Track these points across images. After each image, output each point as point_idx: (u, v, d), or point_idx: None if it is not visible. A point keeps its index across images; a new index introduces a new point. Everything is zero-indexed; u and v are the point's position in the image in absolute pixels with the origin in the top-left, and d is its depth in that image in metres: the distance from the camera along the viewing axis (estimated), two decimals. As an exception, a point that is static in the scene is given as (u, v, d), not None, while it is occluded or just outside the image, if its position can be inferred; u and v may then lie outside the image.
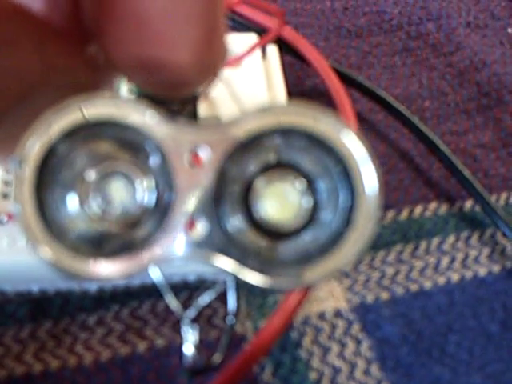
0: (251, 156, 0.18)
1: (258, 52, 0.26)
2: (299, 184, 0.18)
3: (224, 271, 0.17)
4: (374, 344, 0.21)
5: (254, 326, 0.21)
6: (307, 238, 0.17)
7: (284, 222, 0.17)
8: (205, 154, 0.17)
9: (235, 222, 0.17)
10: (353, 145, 0.17)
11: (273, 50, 0.26)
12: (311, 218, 0.18)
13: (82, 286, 0.21)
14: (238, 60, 0.23)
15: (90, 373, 0.20)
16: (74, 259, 0.17)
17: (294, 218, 0.17)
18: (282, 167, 0.18)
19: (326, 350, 0.20)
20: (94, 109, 0.17)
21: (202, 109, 0.23)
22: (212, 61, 0.12)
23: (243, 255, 0.17)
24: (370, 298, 0.22)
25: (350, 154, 0.17)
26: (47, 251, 0.16)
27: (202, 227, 0.17)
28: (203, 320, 0.21)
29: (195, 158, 0.17)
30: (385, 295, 0.22)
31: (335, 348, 0.21)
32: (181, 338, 0.20)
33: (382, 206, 0.17)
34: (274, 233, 0.18)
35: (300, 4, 0.32)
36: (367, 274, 0.22)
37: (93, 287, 0.21)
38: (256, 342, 0.18)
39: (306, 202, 0.17)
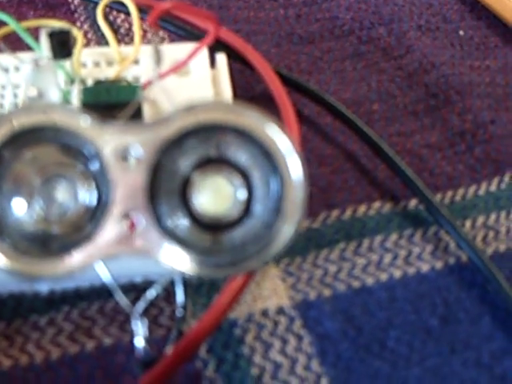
0: (185, 152, 0.19)
1: (206, 60, 0.27)
2: (234, 178, 0.19)
3: (162, 264, 0.18)
4: (314, 340, 0.22)
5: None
6: (243, 229, 0.19)
7: (221, 213, 0.19)
8: (137, 152, 0.18)
9: (174, 218, 0.19)
10: (277, 136, 0.19)
11: (222, 58, 0.28)
12: (247, 210, 0.19)
13: (34, 288, 0.22)
14: (181, 66, 0.25)
15: (40, 371, 0.21)
16: (21, 260, 0.18)
17: (230, 209, 0.19)
18: (217, 162, 0.19)
19: (268, 347, 0.22)
20: (27, 117, 0.18)
21: (148, 118, 0.24)
22: None
23: (182, 248, 0.18)
24: (312, 295, 0.23)
25: (274, 146, 0.18)
26: None
27: (140, 225, 0.18)
28: (149, 319, 0.22)
29: (131, 224, 0.19)
30: (327, 292, 0.23)
31: (277, 344, 0.22)
32: (130, 336, 0.22)
33: (308, 196, 0.18)
34: (212, 226, 0.19)
35: (254, 12, 0.33)
36: (310, 271, 0.24)
37: (44, 289, 0.22)
38: (187, 338, 0.19)
39: (241, 195, 0.19)
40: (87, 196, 0.19)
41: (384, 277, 0.24)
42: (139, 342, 0.20)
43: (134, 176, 0.18)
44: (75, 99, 0.25)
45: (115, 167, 0.18)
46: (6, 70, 0.26)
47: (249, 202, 0.19)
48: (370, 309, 0.23)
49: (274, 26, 0.33)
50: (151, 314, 0.22)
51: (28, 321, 0.22)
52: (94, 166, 0.19)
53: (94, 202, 0.19)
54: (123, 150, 0.18)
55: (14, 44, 0.26)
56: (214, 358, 0.21)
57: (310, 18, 0.33)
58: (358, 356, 0.22)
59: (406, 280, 0.24)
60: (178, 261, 0.18)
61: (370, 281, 0.24)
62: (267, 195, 0.18)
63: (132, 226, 0.18)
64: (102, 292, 0.23)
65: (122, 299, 0.20)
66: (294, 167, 0.18)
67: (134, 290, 0.22)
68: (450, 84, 0.30)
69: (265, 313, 0.23)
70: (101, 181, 0.19)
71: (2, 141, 0.18)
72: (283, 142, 0.18)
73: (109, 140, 0.18)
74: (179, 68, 0.25)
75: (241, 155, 0.19)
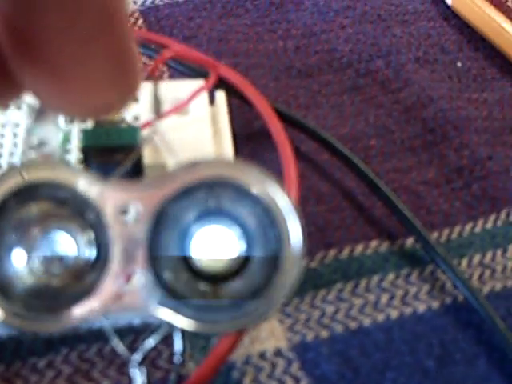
0: (185, 206, 0.20)
1: (205, 98, 0.28)
2: (233, 230, 0.19)
3: (160, 320, 0.19)
4: (312, 382, 0.22)
5: (196, 366, 0.22)
6: (242, 283, 0.19)
7: (220, 266, 0.19)
8: (136, 209, 0.19)
9: (173, 271, 0.19)
10: (277, 196, 0.19)
11: (221, 95, 0.28)
12: (245, 263, 0.19)
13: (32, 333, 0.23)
14: (181, 107, 0.25)
15: (38, 416, 0.21)
16: (24, 316, 0.18)
17: (229, 262, 0.19)
18: (216, 214, 0.20)
19: (265, 389, 0.22)
20: (33, 172, 0.19)
21: (148, 157, 0.25)
22: (127, 90, 0.14)
23: (179, 303, 0.19)
24: (309, 337, 0.23)
25: (274, 204, 0.19)
26: None
27: (138, 279, 0.19)
28: (148, 362, 0.22)
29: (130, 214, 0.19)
30: (324, 333, 0.24)
31: (275, 387, 0.22)
32: (129, 379, 0.22)
33: (306, 251, 0.18)
34: (211, 278, 0.20)
35: (253, 45, 0.34)
36: (308, 312, 0.24)
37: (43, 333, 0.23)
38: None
39: (240, 248, 0.19)
40: (87, 249, 0.19)
41: (381, 317, 0.24)
42: (138, 391, 0.20)
43: (133, 231, 0.19)
44: (75, 139, 0.26)
45: (115, 223, 0.18)
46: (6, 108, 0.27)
47: (248, 255, 0.19)
48: (367, 350, 0.23)
49: (273, 59, 0.33)
50: (149, 356, 0.22)
51: (27, 363, 0.22)
52: (93, 221, 0.19)
53: (94, 254, 0.19)
54: (123, 207, 0.18)
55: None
56: (212, 401, 0.22)
57: (309, 51, 0.34)
58: (355, 398, 0.22)
59: (402, 320, 0.24)
60: (175, 317, 0.18)
61: (367, 321, 0.24)
62: (265, 248, 0.19)
63: (128, 278, 0.19)
64: (100, 334, 0.23)
65: (120, 347, 0.20)
66: (293, 226, 0.18)
67: (132, 332, 0.23)
68: (448, 119, 0.31)
69: (262, 355, 0.23)
70: (100, 234, 0.19)
71: (9, 192, 0.19)
72: (283, 202, 0.18)
73: (107, 197, 0.18)
74: (180, 109, 0.26)
75: (240, 209, 0.19)
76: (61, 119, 0.26)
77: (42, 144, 0.24)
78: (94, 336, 0.23)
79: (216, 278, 0.19)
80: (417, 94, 0.32)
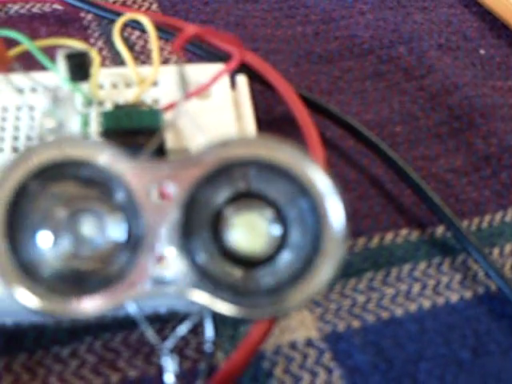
0: (218, 187, 0.19)
1: (226, 82, 0.27)
2: (267, 213, 0.19)
3: (197, 304, 0.18)
4: (345, 373, 0.22)
5: (225, 356, 0.22)
6: (279, 266, 0.19)
7: (255, 250, 0.19)
8: (170, 189, 0.18)
9: (207, 254, 0.18)
10: (317, 177, 0.18)
11: (242, 79, 0.27)
12: (282, 246, 0.19)
13: (57, 319, 0.22)
14: (203, 89, 0.25)
15: (63, 405, 0.21)
16: (51, 299, 0.18)
17: (264, 246, 0.19)
18: (250, 196, 0.19)
19: (297, 380, 0.22)
20: (54, 150, 0.18)
21: (170, 141, 0.24)
22: None
23: (216, 287, 0.18)
24: (341, 327, 0.23)
25: (314, 186, 0.18)
26: (24, 294, 0.17)
27: (172, 261, 0.18)
28: (175, 352, 0.22)
29: (162, 193, 0.18)
30: (356, 323, 0.23)
31: (307, 377, 0.22)
32: (156, 368, 0.21)
33: (349, 235, 0.18)
34: (246, 262, 0.19)
35: (271, 30, 0.33)
36: (338, 302, 0.23)
37: (66, 320, 0.22)
38: (220, 374, 0.19)
39: (275, 230, 0.19)
40: (116, 231, 0.18)
41: (413, 307, 0.24)
42: (169, 378, 0.19)
43: (165, 212, 0.18)
44: (94, 122, 0.25)
45: (146, 203, 0.18)
46: (21, 91, 0.26)
47: (284, 238, 0.19)
48: (400, 341, 0.23)
49: (292, 44, 0.32)
50: (177, 346, 0.22)
51: (50, 352, 0.22)
52: (123, 201, 0.18)
53: (124, 236, 0.18)
54: (155, 186, 0.18)
55: (28, 61, 0.25)
56: (242, 392, 0.21)
57: (329, 36, 0.33)
58: (390, 390, 0.22)
59: (435, 311, 0.24)
60: (212, 300, 0.17)
61: (399, 312, 0.23)
62: (304, 231, 0.18)
63: (161, 260, 0.18)
64: (125, 322, 0.22)
65: (150, 334, 0.20)
66: (334, 209, 0.18)
67: (158, 320, 0.22)
68: (474, 106, 0.30)
69: (293, 345, 0.22)
70: (130, 215, 0.18)
71: (29, 174, 0.18)
72: (322, 181, 0.18)
73: (140, 176, 0.18)
74: (201, 91, 0.25)
75: (275, 191, 0.18)
76: (78, 102, 0.25)
77: (59, 127, 0.23)
78: (118, 324, 0.22)
79: (252, 262, 0.19)
80: (441, 81, 0.31)
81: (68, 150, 0.18)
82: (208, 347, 0.20)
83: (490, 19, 0.35)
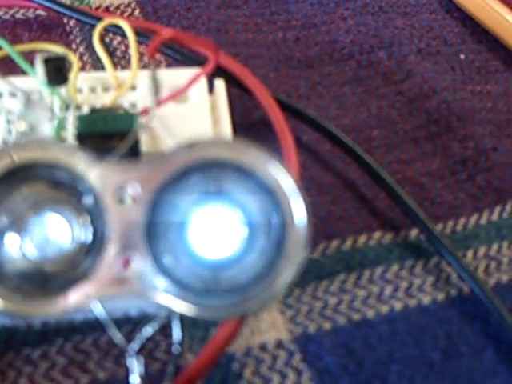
0: (184, 189, 0.19)
1: (204, 86, 0.27)
2: (234, 214, 0.19)
3: (160, 305, 0.18)
4: (314, 375, 0.22)
5: (195, 357, 0.22)
6: (243, 267, 0.19)
7: (220, 252, 0.19)
8: (134, 190, 0.18)
9: (172, 256, 0.19)
10: (280, 177, 0.18)
11: (220, 84, 0.28)
12: (247, 248, 0.19)
13: (28, 320, 0.22)
14: (180, 93, 0.25)
15: (32, 407, 0.21)
16: (15, 300, 0.18)
17: (229, 247, 0.19)
18: (216, 198, 0.19)
19: (266, 381, 0.22)
20: (24, 152, 0.18)
21: (145, 144, 0.24)
22: None
23: (180, 288, 0.18)
24: (311, 329, 0.23)
25: (278, 186, 0.18)
26: None
27: (137, 263, 0.18)
28: (145, 353, 0.22)
29: (130, 195, 0.19)
30: (327, 325, 0.23)
31: (276, 379, 0.22)
32: (125, 370, 0.21)
33: (311, 237, 0.18)
34: (211, 263, 0.19)
35: (252, 35, 0.33)
36: (310, 304, 0.24)
37: (37, 322, 0.22)
38: (185, 375, 0.19)
39: (241, 232, 0.19)
40: (82, 232, 0.19)
41: (385, 309, 0.24)
42: (135, 380, 0.20)
43: (131, 214, 0.18)
44: (70, 126, 0.25)
45: (112, 205, 0.18)
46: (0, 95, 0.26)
47: (249, 240, 0.19)
48: (371, 343, 0.23)
49: (273, 49, 0.33)
50: (146, 347, 0.22)
51: (21, 354, 0.22)
52: (90, 202, 0.19)
53: (90, 238, 0.19)
54: (120, 188, 0.18)
55: (8, 66, 0.26)
56: (211, 393, 0.21)
57: (309, 42, 0.33)
58: (359, 392, 0.22)
59: (407, 312, 0.24)
60: (175, 302, 0.18)
61: (370, 313, 0.24)
62: (268, 233, 0.18)
63: (127, 263, 0.18)
64: (96, 325, 0.22)
65: (117, 336, 0.20)
66: (298, 208, 0.18)
67: (129, 323, 0.22)
68: (452, 110, 0.30)
69: (263, 347, 0.22)
70: (96, 217, 0.19)
71: (1, 174, 0.18)
72: (287, 183, 0.18)
73: (106, 178, 0.18)
74: (178, 95, 0.25)
75: (241, 192, 0.19)
76: (56, 106, 0.25)
77: (31, 130, 0.23)
78: (89, 326, 0.22)
79: (217, 263, 0.19)
80: (420, 86, 0.31)
81: (37, 153, 0.18)
82: (175, 349, 0.21)
83: (471, 24, 0.35)
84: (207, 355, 0.19)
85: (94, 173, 0.18)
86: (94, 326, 0.22)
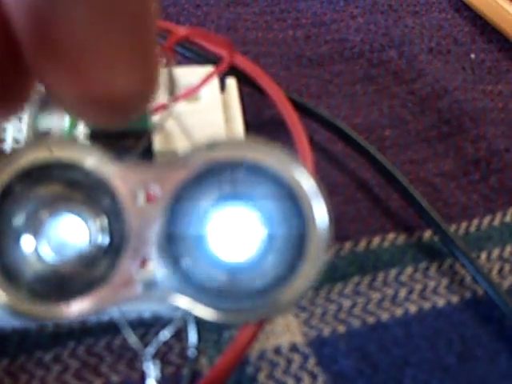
0: (203, 190, 0.19)
1: (216, 85, 0.27)
2: (253, 215, 0.19)
3: (178, 309, 0.18)
4: (329, 378, 0.22)
5: (209, 362, 0.21)
6: (263, 270, 0.18)
7: (239, 254, 0.18)
8: (154, 191, 0.18)
9: (190, 258, 0.18)
10: (303, 179, 0.18)
11: (231, 82, 0.27)
12: (267, 250, 0.19)
13: (39, 323, 0.22)
14: (193, 92, 0.24)
15: (44, 411, 0.20)
16: (32, 303, 0.17)
17: (248, 249, 0.18)
18: (236, 199, 0.19)
19: (281, 385, 0.21)
20: (36, 154, 0.18)
21: (158, 143, 0.24)
22: (150, 77, 0.13)
23: (199, 291, 0.18)
24: (326, 332, 0.23)
25: (300, 189, 0.18)
26: (3, 297, 0.17)
27: (155, 266, 0.18)
28: (159, 357, 0.21)
29: (148, 196, 0.18)
30: (341, 328, 0.23)
31: (291, 383, 0.21)
32: (139, 374, 0.21)
33: (333, 238, 0.18)
34: (230, 266, 0.19)
35: (262, 33, 0.33)
36: (324, 307, 0.23)
37: (49, 324, 0.22)
38: (209, 377, 0.19)
39: (260, 234, 0.18)
40: (100, 234, 0.18)
41: (399, 312, 0.23)
42: (151, 384, 0.19)
43: (149, 215, 0.18)
44: (81, 124, 0.25)
45: (130, 206, 0.18)
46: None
47: (268, 242, 0.18)
48: (386, 346, 0.23)
49: (283, 47, 0.32)
50: (160, 351, 0.22)
51: (32, 357, 0.22)
52: (107, 204, 0.18)
53: (107, 240, 0.18)
54: (139, 189, 0.17)
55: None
56: (226, 397, 0.21)
57: (319, 40, 0.33)
58: (374, 396, 0.21)
59: (421, 315, 0.23)
60: (194, 305, 0.17)
61: (385, 316, 0.23)
62: (288, 235, 0.18)
63: (144, 266, 0.18)
64: (109, 327, 0.22)
65: (133, 340, 0.19)
66: (319, 212, 0.17)
67: (142, 325, 0.22)
68: (463, 110, 0.30)
69: (278, 350, 0.22)
70: (114, 219, 0.18)
71: (14, 176, 0.18)
72: (308, 185, 0.18)
73: (125, 178, 0.17)
74: (191, 94, 0.25)
75: (261, 193, 0.18)
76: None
77: (47, 132, 0.23)
78: (102, 329, 0.22)
79: (235, 266, 0.18)
80: (431, 85, 0.31)
81: (55, 152, 0.18)
82: (191, 352, 0.20)
83: (481, 24, 0.35)
84: (227, 360, 0.19)
85: (113, 173, 0.18)
86: (106, 329, 0.22)
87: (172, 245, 0.18)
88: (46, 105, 0.23)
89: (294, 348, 0.22)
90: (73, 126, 0.24)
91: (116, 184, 0.18)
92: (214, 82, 0.27)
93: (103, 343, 0.22)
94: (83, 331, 0.22)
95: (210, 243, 0.18)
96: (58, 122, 0.24)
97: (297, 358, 0.22)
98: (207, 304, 0.17)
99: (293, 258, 0.18)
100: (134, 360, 0.22)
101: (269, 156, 0.18)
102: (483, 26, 0.35)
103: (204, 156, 0.18)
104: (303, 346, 0.22)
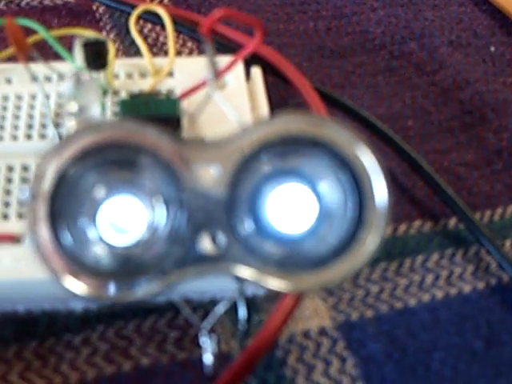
0: (260, 165, 0.18)
1: (241, 73, 0.27)
2: (307, 189, 0.19)
3: (245, 281, 0.18)
4: (358, 362, 0.22)
5: (239, 344, 0.22)
6: (322, 239, 0.18)
7: (293, 225, 0.18)
8: (215, 170, 0.18)
9: (249, 231, 0.18)
10: (365, 158, 0.18)
11: (256, 71, 0.28)
12: (322, 219, 0.18)
13: (68, 305, 0.22)
14: (218, 78, 0.25)
15: (75, 393, 0.21)
16: (96, 285, 0.17)
17: (302, 220, 0.18)
18: (290, 173, 0.19)
19: (310, 368, 0.22)
20: (105, 133, 0.18)
21: (186, 131, 0.24)
22: None
23: (261, 262, 0.18)
24: (354, 316, 0.23)
25: (362, 167, 0.18)
26: (72, 282, 0.17)
27: (218, 240, 0.18)
28: (190, 340, 0.22)
29: (206, 174, 0.18)
30: (369, 313, 0.23)
31: (320, 366, 0.22)
32: (169, 356, 0.21)
33: (390, 219, 0.18)
34: (287, 236, 0.19)
35: (283, 25, 0.33)
36: (352, 292, 0.24)
37: (78, 307, 0.22)
38: (259, 337, 0.19)
39: (313, 207, 0.18)
40: (158, 215, 0.18)
41: (426, 297, 0.24)
42: (208, 359, 0.19)
43: (210, 194, 0.18)
44: (109, 111, 0.25)
45: (191, 186, 0.17)
46: (36, 80, 0.26)
47: (324, 211, 0.18)
48: (414, 330, 0.23)
49: (305, 38, 0.33)
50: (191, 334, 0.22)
51: (62, 340, 0.22)
52: (166, 184, 0.18)
53: (165, 221, 0.18)
54: (200, 168, 0.17)
55: (41, 51, 0.25)
56: (256, 380, 0.21)
57: (341, 32, 0.33)
58: (403, 378, 0.22)
59: (448, 301, 0.24)
60: (260, 276, 0.17)
61: (412, 302, 0.23)
62: (345, 204, 0.18)
63: (209, 242, 0.18)
64: (138, 310, 0.22)
65: (191, 315, 0.20)
66: (380, 191, 0.18)
67: (188, 305, 0.22)
68: (485, 101, 0.30)
69: (307, 334, 0.22)
70: (173, 199, 0.18)
71: (70, 161, 0.17)
72: (371, 164, 0.18)
73: (185, 158, 0.17)
74: (217, 81, 0.25)
75: (320, 168, 0.18)
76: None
77: (82, 110, 0.23)
78: (131, 312, 0.22)
79: (294, 237, 0.18)
80: (452, 77, 0.31)
81: (109, 134, 0.18)
82: (242, 325, 0.21)
83: (500, 17, 0.35)
84: (277, 319, 0.19)
85: (173, 153, 0.17)
86: (136, 312, 0.22)
87: (231, 218, 0.18)
88: (80, 84, 0.23)
89: (322, 332, 0.22)
90: (102, 110, 0.25)
91: (176, 163, 0.17)
92: (240, 71, 0.27)
93: (133, 326, 0.22)
94: (112, 314, 0.22)
95: (269, 217, 0.18)
96: (92, 101, 0.24)
97: (326, 342, 0.22)
98: (273, 274, 0.17)
99: (352, 227, 0.18)
100: (163, 343, 0.22)
101: (330, 131, 0.18)
102: (502, 20, 0.35)
103: (264, 131, 0.18)
104: (332, 329, 0.22)
